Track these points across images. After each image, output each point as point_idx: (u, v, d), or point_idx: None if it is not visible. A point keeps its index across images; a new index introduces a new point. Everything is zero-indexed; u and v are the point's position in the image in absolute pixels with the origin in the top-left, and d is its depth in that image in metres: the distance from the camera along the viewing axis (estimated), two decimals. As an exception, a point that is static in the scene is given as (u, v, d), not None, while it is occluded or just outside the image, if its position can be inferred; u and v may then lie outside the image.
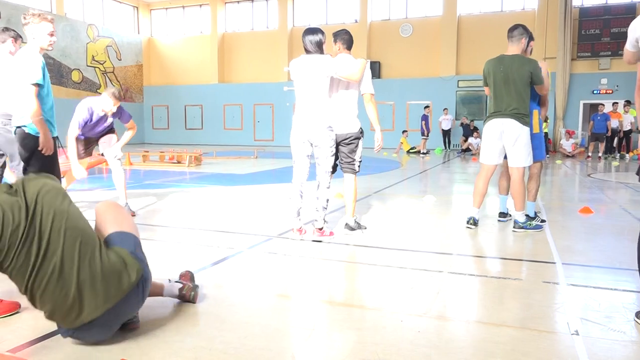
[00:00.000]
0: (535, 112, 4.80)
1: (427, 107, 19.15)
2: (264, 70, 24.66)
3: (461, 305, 2.83)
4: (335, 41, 4.51)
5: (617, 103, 16.85)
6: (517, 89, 4.53)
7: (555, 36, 19.56)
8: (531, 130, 4.74)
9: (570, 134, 18.09)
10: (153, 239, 4.31)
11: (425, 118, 18.42)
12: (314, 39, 4.15)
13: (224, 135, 25.43)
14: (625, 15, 19.28)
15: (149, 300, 2.41)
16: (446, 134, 19.75)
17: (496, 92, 4.66)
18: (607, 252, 3.99)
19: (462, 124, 19.56)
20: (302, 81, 4.15)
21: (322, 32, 4.21)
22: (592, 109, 18.93)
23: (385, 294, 2.94)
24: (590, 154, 15.92)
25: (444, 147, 19.86)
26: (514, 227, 4.66)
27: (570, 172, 11.26)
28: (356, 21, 22.85)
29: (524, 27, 4.70)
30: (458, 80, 21.39)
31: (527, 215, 4.84)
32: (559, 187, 8.68)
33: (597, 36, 19.74)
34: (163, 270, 3.19)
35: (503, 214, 5.11)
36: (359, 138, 4.42)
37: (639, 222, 5.15)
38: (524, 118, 4.54)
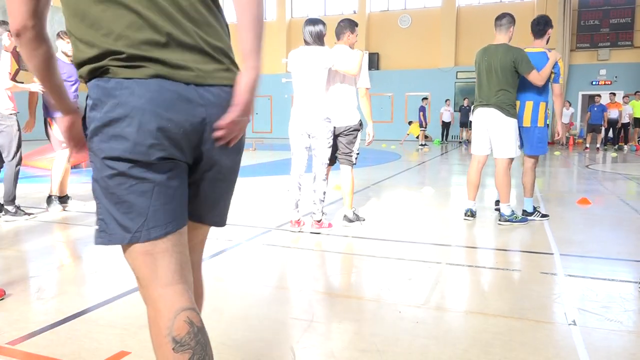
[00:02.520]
0: (543, 105, 4.67)
1: (425, 98, 19.11)
2: (262, 61, 24.51)
3: (459, 296, 2.84)
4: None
5: (614, 94, 16.82)
6: (499, 78, 4.50)
7: (555, 27, 19.47)
8: (536, 123, 4.69)
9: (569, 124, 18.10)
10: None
11: (423, 109, 18.39)
12: (314, 30, 4.12)
13: (222, 127, 25.36)
14: (625, 6, 19.22)
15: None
16: (446, 126, 19.72)
17: (481, 81, 4.65)
18: (605, 243, 4.00)
19: (461, 107, 19.44)
20: (301, 73, 4.13)
21: (323, 24, 4.17)
22: (591, 100, 18.93)
23: (383, 285, 2.95)
24: (588, 145, 15.93)
25: (442, 139, 19.83)
26: (499, 221, 4.65)
27: (568, 163, 11.27)
28: (354, 12, 22.74)
29: (512, 16, 4.66)
30: (457, 72, 21.35)
31: (524, 211, 4.82)
32: (557, 178, 8.69)
33: (596, 27, 19.70)
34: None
35: (499, 203, 4.87)
36: (358, 130, 4.42)
37: (637, 213, 5.16)
38: (507, 109, 4.50)
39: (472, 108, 4.92)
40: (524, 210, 4.82)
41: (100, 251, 3.69)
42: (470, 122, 19.03)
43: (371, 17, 22.89)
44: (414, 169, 10.03)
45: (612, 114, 15.97)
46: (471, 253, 3.86)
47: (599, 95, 16.71)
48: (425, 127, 18.46)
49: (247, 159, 12.22)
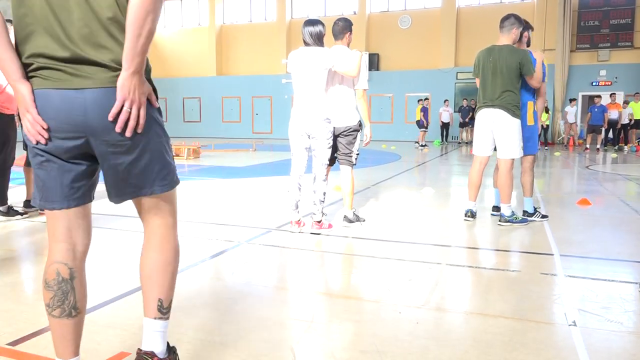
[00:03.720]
0: (530, 104, 4.71)
1: (426, 99, 19.08)
2: (262, 62, 24.58)
3: (459, 297, 2.84)
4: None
5: (614, 94, 16.79)
6: (504, 79, 4.51)
7: (555, 28, 19.51)
8: (525, 122, 4.71)
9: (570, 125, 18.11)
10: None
11: (424, 110, 18.35)
12: (314, 31, 4.12)
13: (222, 128, 25.39)
14: (625, 6, 19.22)
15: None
16: (445, 126, 19.74)
17: (485, 82, 4.66)
18: (605, 243, 4.00)
19: (461, 108, 19.43)
20: (300, 74, 4.13)
21: (323, 24, 4.18)
22: (591, 101, 18.90)
23: (383, 285, 2.95)
24: (588, 146, 15.92)
25: (442, 140, 19.84)
26: (499, 221, 4.64)
27: (569, 164, 11.27)
28: (355, 13, 22.75)
29: (516, 17, 4.64)
30: (457, 72, 21.35)
31: (525, 211, 4.81)
32: (557, 179, 8.69)
33: (596, 28, 19.69)
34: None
35: (497, 208, 4.98)
36: (357, 130, 4.42)
37: (637, 214, 5.16)
38: (513, 109, 4.51)
39: (475, 109, 4.93)
40: (524, 211, 4.81)
41: (99, 252, 3.69)
42: (469, 122, 19.08)
43: (371, 18, 22.90)
44: (414, 170, 10.03)
45: (612, 114, 15.96)
46: (471, 254, 3.85)
47: (599, 96, 16.69)
48: (427, 128, 18.43)
49: (247, 159, 12.23)
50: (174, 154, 1.77)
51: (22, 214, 4.78)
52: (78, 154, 1.53)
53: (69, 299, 1.61)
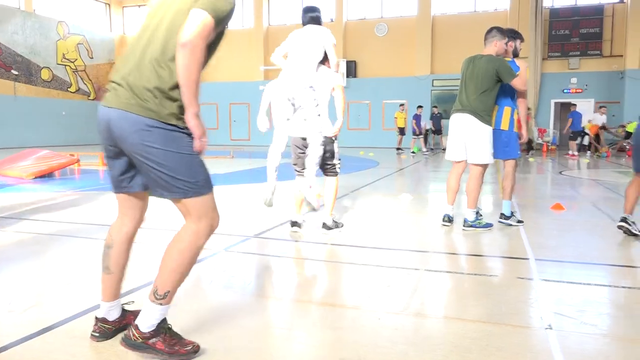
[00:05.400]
0: (508, 109, 4.74)
1: (420, 106, 18.83)
2: (240, 69, 24.49)
3: (438, 302, 2.85)
4: None
5: (604, 107, 16.90)
6: (477, 86, 4.59)
7: (527, 36, 19.91)
8: (499, 125, 4.73)
9: (541, 132, 18.45)
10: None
11: (417, 118, 18.22)
12: (315, 16, 4.35)
13: (199, 135, 25.14)
14: (594, 16, 19.79)
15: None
16: (425, 132, 19.96)
17: (460, 88, 4.77)
18: (579, 247, 4.08)
19: (432, 115, 19.55)
20: (297, 47, 4.25)
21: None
22: (563, 108, 19.25)
23: (362, 292, 2.95)
24: (575, 153, 15.96)
25: (423, 146, 20.02)
26: (463, 226, 4.70)
27: (542, 170, 11.50)
28: (332, 20, 22.88)
29: (498, 30, 4.72)
30: (433, 80, 21.61)
31: (502, 214, 4.89)
32: (531, 184, 8.85)
33: (566, 36, 20.22)
34: (139, 273, 3.15)
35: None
36: (329, 143, 4.40)
37: (609, 218, 5.28)
38: (482, 115, 4.58)
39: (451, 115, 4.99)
40: (501, 213, 4.88)
41: (73, 262, 3.61)
42: (437, 129, 19.17)
43: (348, 25, 23.06)
44: (392, 176, 10.10)
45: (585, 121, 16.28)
46: (449, 259, 3.89)
47: (574, 104, 16.97)
48: (419, 135, 18.27)
49: (225, 166, 12.14)
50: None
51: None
52: (116, 154, 2.02)
53: (105, 260, 2.16)
